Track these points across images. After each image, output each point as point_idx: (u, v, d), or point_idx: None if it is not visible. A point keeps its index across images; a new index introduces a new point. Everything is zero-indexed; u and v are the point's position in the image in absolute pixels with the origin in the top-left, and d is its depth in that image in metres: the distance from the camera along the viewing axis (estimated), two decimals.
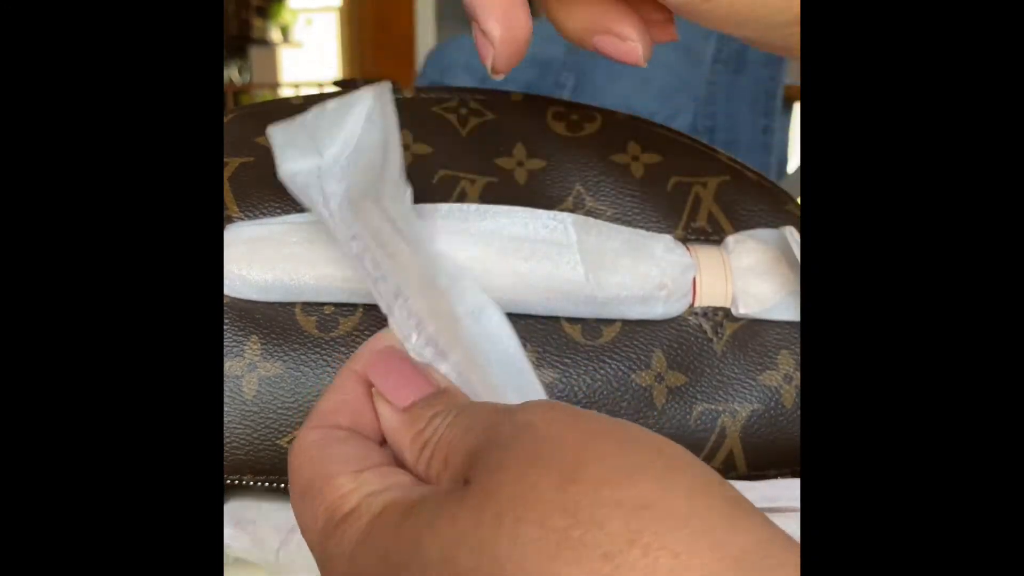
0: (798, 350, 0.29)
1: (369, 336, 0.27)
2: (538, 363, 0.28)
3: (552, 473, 0.16)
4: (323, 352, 0.28)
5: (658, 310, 0.29)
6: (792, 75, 0.70)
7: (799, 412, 0.29)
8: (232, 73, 4.51)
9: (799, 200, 0.30)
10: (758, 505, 0.18)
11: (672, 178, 0.31)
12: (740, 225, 0.31)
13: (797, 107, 0.78)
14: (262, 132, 0.30)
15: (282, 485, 0.28)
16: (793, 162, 0.78)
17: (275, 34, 4.72)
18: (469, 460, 0.18)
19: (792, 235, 0.29)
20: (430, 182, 0.30)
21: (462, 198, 0.30)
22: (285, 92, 4.18)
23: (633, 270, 0.29)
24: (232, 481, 0.28)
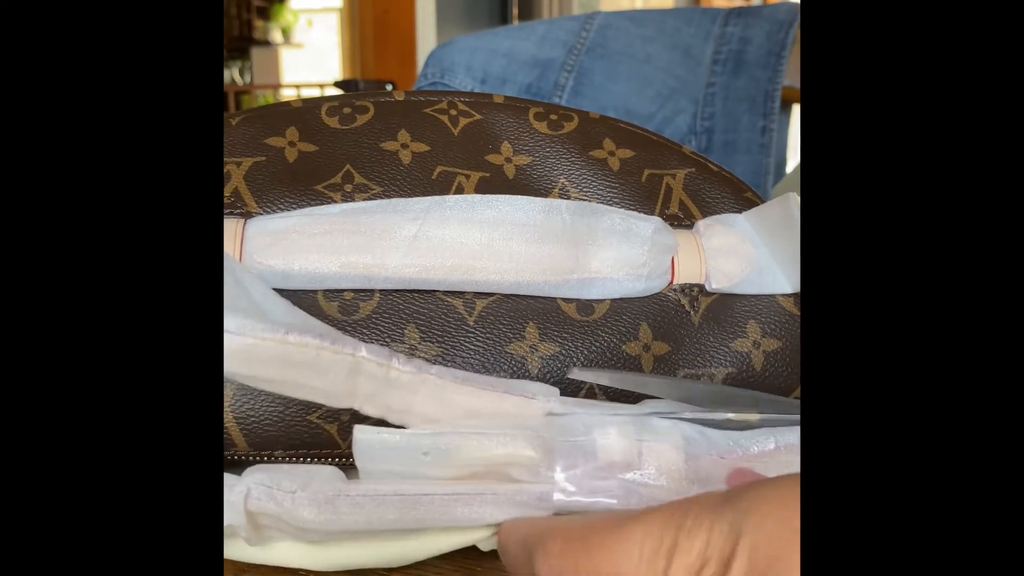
0: (764, 320, 0.33)
1: (386, 318, 0.30)
2: (541, 338, 0.31)
3: None
4: (346, 334, 0.29)
5: (640, 286, 0.32)
6: (791, 77, 0.70)
7: (767, 374, 0.32)
8: (234, 74, 4.51)
9: (799, 199, 0.31)
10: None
11: (645, 171, 0.34)
12: (707, 211, 0.34)
13: (795, 108, 0.78)
14: (269, 133, 0.32)
15: (308, 460, 0.29)
16: (792, 162, 0.79)
17: (276, 35, 4.72)
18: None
19: (795, 201, 0.32)
20: (430, 177, 0.32)
21: (459, 192, 0.32)
22: (286, 93, 4.18)
23: (620, 248, 0.31)
24: (263, 457, 0.29)
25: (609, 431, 0.25)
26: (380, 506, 0.24)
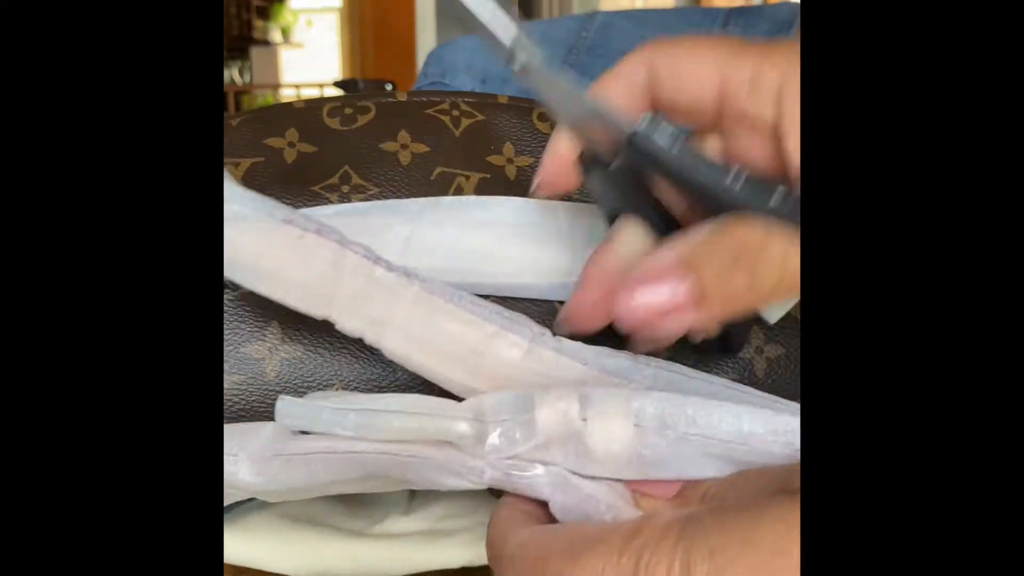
0: (767, 325, 0.32)
1: None
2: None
3: None
4: (338, 336, 0.29)
5: None
6: None
7: (770, 381, 0.31)
8: (233, 73, 4.50)
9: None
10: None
11: None
12: None
13: None
14: (269, 134, 0.32)
15: None
16: None
17: (276, 35, 4.71)
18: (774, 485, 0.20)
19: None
20: (428, 178, 0.32)
21: (458, 192, 0.32)
22: (286, 93, 4.18)
23: None
24: None
25: (551, 407, 0.23)
26: (310, 464, 0.23)
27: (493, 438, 0.23)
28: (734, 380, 0.31)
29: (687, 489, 0.23)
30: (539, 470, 0.23)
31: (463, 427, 0.23)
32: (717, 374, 0.31)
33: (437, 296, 0.25)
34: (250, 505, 0.31)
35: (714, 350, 0.29)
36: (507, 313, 0.25)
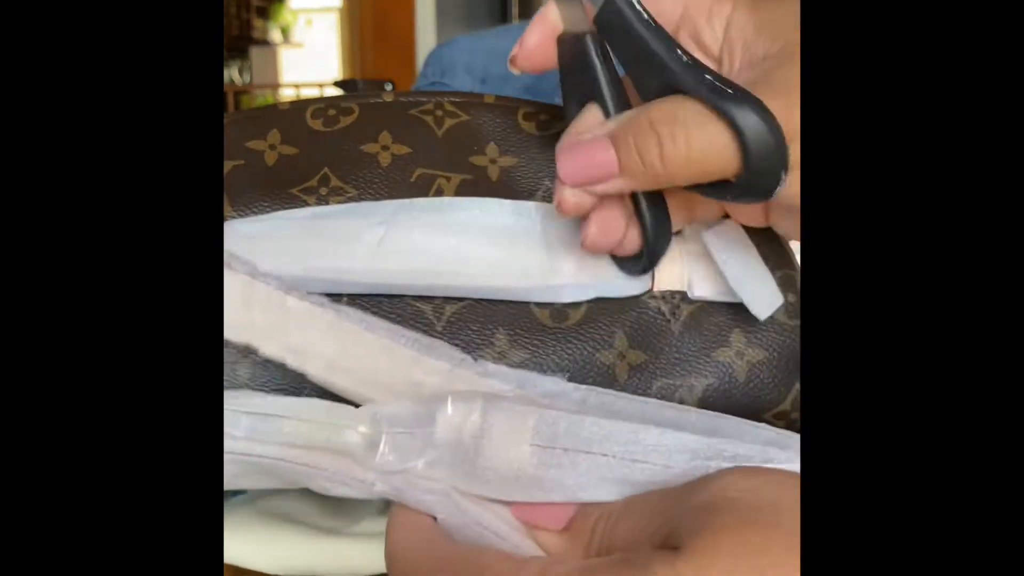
0: (749, 329, 0.31)
1: None
2: (510, 344, 0.30)
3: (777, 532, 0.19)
4: None
5: (615, 288, 0.30)
6: None
7: (751, 385, 0.31)
8: (233, 73, 4.52)
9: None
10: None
11: None
12: None
13: None
14: (253, 136, 0.32)
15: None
16: None
17: (275, 34, 4.73)
18: (665, 532, 0.20)
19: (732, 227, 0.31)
20: (408, 180, 0.32)
21: (439, 194, 0.32)
22: (285, 92, 4.20)
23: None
24: None
25: (450, 421, 0.24)
26: None
27: (384, 451, 0.23)
28: (711, 385, 0.30)
29: (578, 520, 0.23)
30: (427, 487, 0.24)
31: (353, 437, 0.24)
32: (697, 376, 0.30)
33: (353, 323, 0.25)
34: (229, 503, 0.32)
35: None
36: (425, 340, 0.26)
